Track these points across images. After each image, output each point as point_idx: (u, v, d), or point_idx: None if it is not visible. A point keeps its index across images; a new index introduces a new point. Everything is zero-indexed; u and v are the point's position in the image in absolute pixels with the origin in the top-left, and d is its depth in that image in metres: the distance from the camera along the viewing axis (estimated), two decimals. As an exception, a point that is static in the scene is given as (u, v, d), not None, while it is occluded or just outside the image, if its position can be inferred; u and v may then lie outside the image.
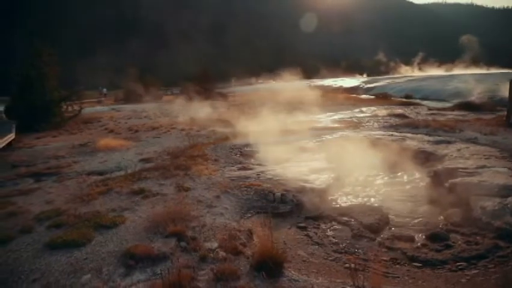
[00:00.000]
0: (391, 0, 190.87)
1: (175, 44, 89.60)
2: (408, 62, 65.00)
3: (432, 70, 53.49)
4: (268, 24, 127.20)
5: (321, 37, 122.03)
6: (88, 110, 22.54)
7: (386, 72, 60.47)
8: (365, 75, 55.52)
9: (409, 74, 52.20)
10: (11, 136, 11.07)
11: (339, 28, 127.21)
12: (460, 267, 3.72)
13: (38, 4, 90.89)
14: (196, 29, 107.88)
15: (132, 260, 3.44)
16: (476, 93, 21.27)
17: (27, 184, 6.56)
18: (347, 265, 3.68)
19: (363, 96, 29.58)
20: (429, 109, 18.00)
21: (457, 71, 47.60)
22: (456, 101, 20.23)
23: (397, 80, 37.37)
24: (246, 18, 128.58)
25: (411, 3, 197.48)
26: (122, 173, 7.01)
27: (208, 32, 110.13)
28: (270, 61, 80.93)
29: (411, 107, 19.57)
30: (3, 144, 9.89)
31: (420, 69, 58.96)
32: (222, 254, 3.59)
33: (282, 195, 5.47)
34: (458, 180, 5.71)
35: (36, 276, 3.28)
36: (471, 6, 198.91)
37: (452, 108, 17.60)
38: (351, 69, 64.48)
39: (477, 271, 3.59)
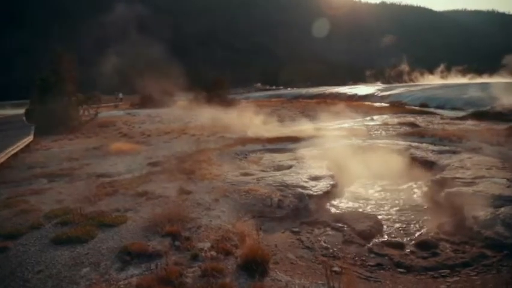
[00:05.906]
0: (410, 8, 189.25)
1: (192, 49, 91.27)
2: (429, 70, 63.94)
3: (456, 79, 52.46)
4: (286, 31, 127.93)
5: (337, 45, 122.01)
6: (104, 114, 23.25)
7: (411, 81, 59.55)
8: (378, 83, 55.02)
9: (429, 82, 51.46)
10: (29, 138, 11.64)
11: (355, 36, 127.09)
12: (442, 274, 3.83)
13: (63, 10, 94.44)
14: (213, 35, 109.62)
15: (128, 256, 3.71)
16: (493, 103, 20.91)
17: (41, 184, 6.95)
18: (335, 269, 3.84)
19: (377, 104, 29.37)
20: (442, 118, 17.81)
21: (481, 79, 46.64)
22: (471, 110, 19.94)
23: (413, 88, 36.98)
24: (263, 24, 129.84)
25: (431, 10, 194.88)
26: (130, 175, 7.35)
27: (224, 38, 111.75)
28: (285, 67, 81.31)
29: (424, 115, 19.40)
30: (22, 146, 10.42)
31: (442, 78, 57.92)
32: (212, 253, 3.81)
33: (279, 200, 5.66)
34: (454, 190, 5.78)
35: (41, 268, 3.58)
36: (492, 13, 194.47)
37: (465, 118, 17.35)
38: (375, 78, 63.95)
39: (458, 278, 3.69)
